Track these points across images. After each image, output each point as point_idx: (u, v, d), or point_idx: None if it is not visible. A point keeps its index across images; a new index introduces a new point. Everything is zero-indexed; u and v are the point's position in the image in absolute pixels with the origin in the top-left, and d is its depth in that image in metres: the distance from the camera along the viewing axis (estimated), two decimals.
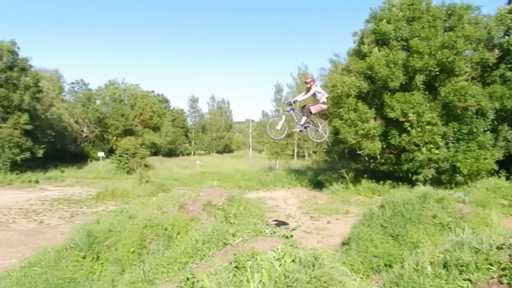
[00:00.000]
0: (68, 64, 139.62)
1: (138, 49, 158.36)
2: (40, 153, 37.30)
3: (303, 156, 54.85)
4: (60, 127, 47.37)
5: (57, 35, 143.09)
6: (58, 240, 12.02)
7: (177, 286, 4.56)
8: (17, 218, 18.21)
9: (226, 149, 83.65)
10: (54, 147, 42.09)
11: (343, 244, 11.07)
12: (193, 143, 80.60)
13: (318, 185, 27.05)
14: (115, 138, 54.85)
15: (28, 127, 35.00)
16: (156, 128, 65.19)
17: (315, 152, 43.78)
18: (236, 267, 4.63)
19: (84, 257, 8.60)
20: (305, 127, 9.78)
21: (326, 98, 9.84)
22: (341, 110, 23.08)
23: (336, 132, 23.87)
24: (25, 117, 34.78)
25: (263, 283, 4.07)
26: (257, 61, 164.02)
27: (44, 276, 8.11)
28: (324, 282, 3.94)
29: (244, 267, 4.57)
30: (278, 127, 9.79)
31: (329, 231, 15.08)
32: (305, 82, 9.97)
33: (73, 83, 58.75)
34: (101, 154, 42.74)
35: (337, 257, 7.36)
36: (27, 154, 34.82)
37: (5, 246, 13.44)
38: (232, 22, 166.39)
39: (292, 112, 9.82)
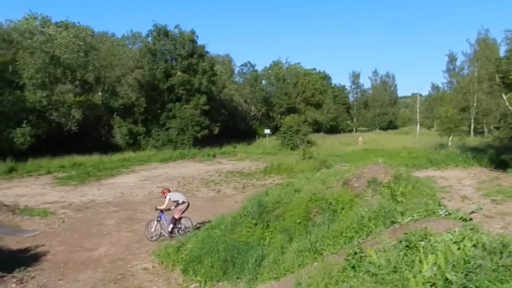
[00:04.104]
0: (237, 48, 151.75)
1: (301, 28, 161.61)
2: (215, 130, 41.73)
3: (482, 133, 48.44)
4: (232, 107, 52.02)
5: (228, 22, 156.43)
6: (233, 208, 13.37)
7: (345, 259, 4.57)
8: (199, 186, 20.88)
9: (391, 126, 79.81)
10: (227, 125, 46.47)
11: None
12: (355, 120, 79.18)
13: (501, 165, 23.54)
14: (279, 116, 57.65)
15: (206, 107, 39.53)
16: (318, 105, 66.06)
17: (497, 128, 38.19)
18: (407, 246, 4.38)
19: (255, 224, 9.34)
20: (171, 232, 11.35)
21: (184, 198, 11.57)
22: None
23: None
24: (203, 98, 39.32)
25: (439, 265, 3.76)
26: (426, 29, 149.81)
27: (223, 238, 9.12)
28: None
29: (416, 247, 4.29)
30: (152, 229, 11.53)
31: None
32: (162, 193, 11.83)
33: (241, 65, 63.52)
34: (267, 131, 45.47)
35: None
36: (206, 132, 39.47)
37: (192, 210, 15.49)
38: None
39: (162, 217, 11.50)
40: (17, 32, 31.34)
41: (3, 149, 26.51)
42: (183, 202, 11.49)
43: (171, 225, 11.39)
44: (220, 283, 7.82)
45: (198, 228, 11.23)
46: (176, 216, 11.41)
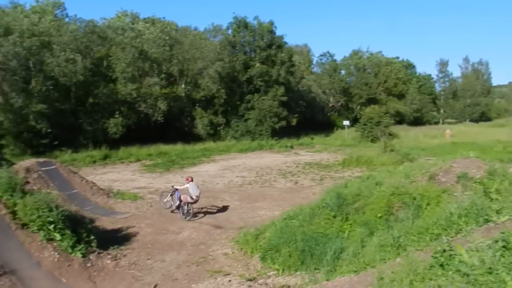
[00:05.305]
0: (316, 38, 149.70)
1: (383, 15, 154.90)
2: (293, 121, 41.66)
3: None
4: (310, 97, 51.47)
5: (306, 11, 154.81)
6: (310, 199, 13.32)
7: (432, 256, 4.33)
8: (277, 177, 21.05)
9: (483, 117, 73.44)
10: (304, 116, 46.16)
11: None
12: (442, 111, 74.14)
13: None
14: (359, 107, 55.99)
15: (284, 98, 39.45)
16: (400, 96, 62.96)
17: None
18: (504, 246, 4.04)
19: (334, 217, 9.22)
20: (177, 207, 13.20)
21: (196, 195, 12.87)
22: None
23: None
24: (281, 89, 39.33)
25: None
26: None
27: (301, 229, 9.12)
28: None
29: None
30: (165, 200, 14.01)
31: None
32: (186, 179, 13.58)
33: (320, 55, 62.45)
34: (346, 122, 44.39)
35: None
36: (284, 123, 39.55)
37: (270, 200, 15.83)
38: None
39: (176, 193, 13.41)
40: (111, 29, 33.96)
41: (99, 138, 29.13)
42: (192, 198, 12.88)
43: (178, 202, 13.16)
44: (298, 273, 7.84)
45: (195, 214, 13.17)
46: (182, 199, 12.93)
